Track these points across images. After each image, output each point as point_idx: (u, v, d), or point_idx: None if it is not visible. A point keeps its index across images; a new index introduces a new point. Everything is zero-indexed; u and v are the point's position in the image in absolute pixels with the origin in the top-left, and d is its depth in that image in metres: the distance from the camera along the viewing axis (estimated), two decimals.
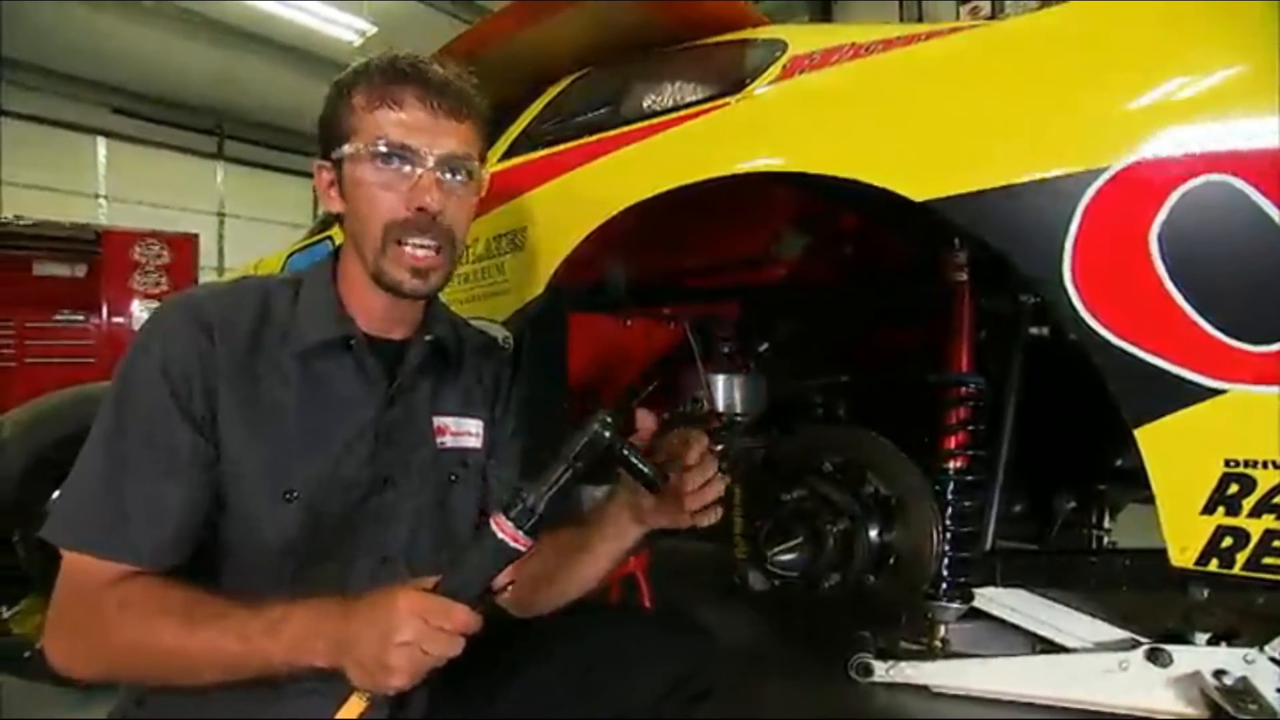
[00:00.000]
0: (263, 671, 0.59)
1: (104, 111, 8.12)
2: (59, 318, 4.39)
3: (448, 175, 0.73)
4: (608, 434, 0.63)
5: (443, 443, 0.81)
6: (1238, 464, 0.72)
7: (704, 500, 0.72)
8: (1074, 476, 1.55)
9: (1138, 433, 0.76)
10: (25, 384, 3.73)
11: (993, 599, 1.40)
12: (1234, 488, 0.72)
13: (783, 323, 1.70)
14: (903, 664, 1.39)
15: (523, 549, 0.59)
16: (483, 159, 0.79)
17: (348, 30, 7.15)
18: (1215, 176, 0.71)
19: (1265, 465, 0.71)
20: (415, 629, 0.54)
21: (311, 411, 0.72)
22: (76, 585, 0.63)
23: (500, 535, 0.58)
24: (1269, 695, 1.14)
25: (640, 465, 0.68)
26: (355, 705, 0.57)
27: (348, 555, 0.72)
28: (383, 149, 0.71)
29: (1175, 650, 1.22)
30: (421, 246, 0.73)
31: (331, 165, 0.75)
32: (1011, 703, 1.33)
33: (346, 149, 0.72)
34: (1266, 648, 1.20)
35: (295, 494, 0.69)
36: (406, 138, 0.71)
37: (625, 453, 0.67)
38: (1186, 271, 0.73)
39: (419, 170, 0.71)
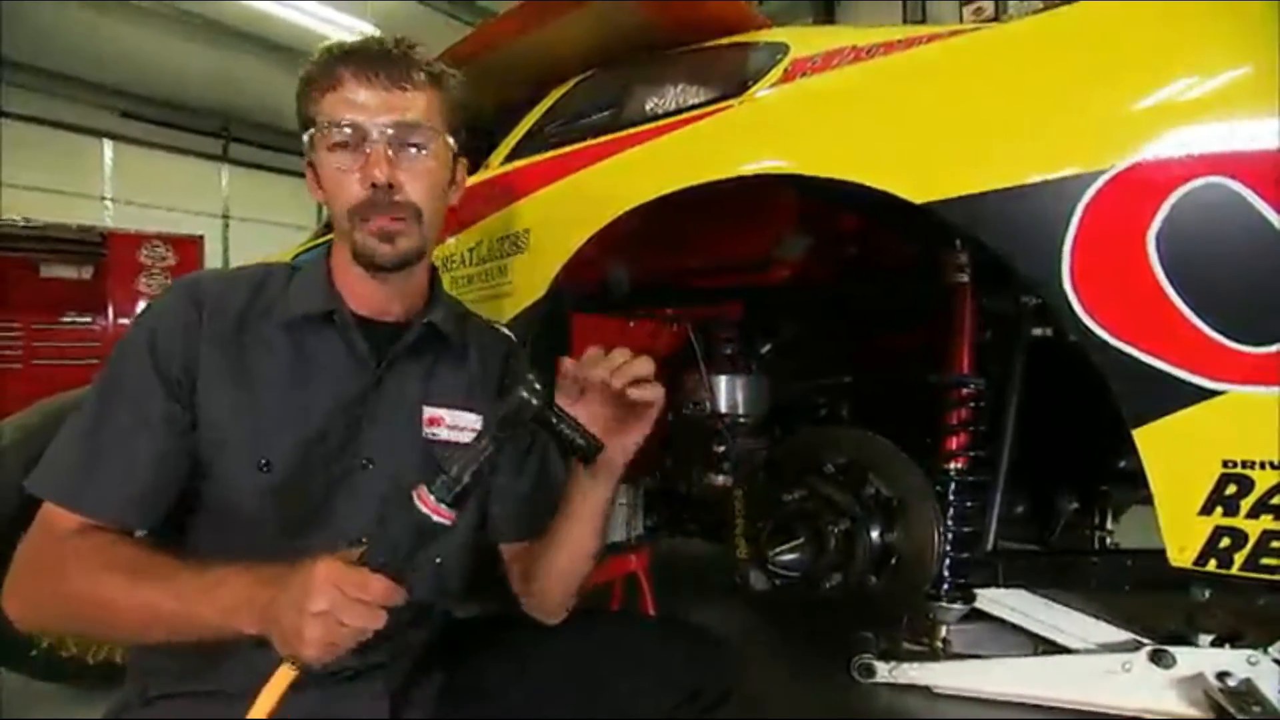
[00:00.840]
0: (200, 634, 0.59)
1: (111, 115, 8.16)
2: (65, 319, 4.43)
3: (404, 148, 0.73)
4: (535, 401, 0.60)
5: (435, 434, 0.80)
6: (1235, 465, 0.72)
7: (632, 389, 0.70)
8: (1076, 477, 1.55)
9: (1136, 433, 0.77)
10: (32, 385, 3.75)
11: (995, 600, 1.40)
12: (1232, 488, 0.72)
13: (785, 324, 1.71)
14: (905, 665, 1.39)
15: (446, 522, 0.57)
16: (452, 128, 0.78)
17: (351, 34, 7.18)
18: (1213, 179, 0.72)
19: (1263, 466, 0.71)
20: (330, 599, 0.54)
21: (293, 383, 0.72)
22: (42, 535, 0.65)
23: (422, 509, 0.56)
24: (1272, 697, 1.14)
25: (571, 434, 0.65)
26: (284, 675, 0.56)
27: (323, 532, 0.72)
28: (330, 132, 0.72)
29: (1178, 652, 1.22)
30: (387, 215, 0.73)
31: (309, 159, 0.77)
32: (1014, 704, 1.33)
33: (306, 139, 0.74)
34: (1270, 649, 1.20)
35: (270, 463, 0.70)
36: (349, 115, 0.71)
37: (555, 422, 0.64)
38: (1184, 273, 0.74)
39: (367, 145, 0.71)
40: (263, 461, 0.70)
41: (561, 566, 0.79)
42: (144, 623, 0.60)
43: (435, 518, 0.56)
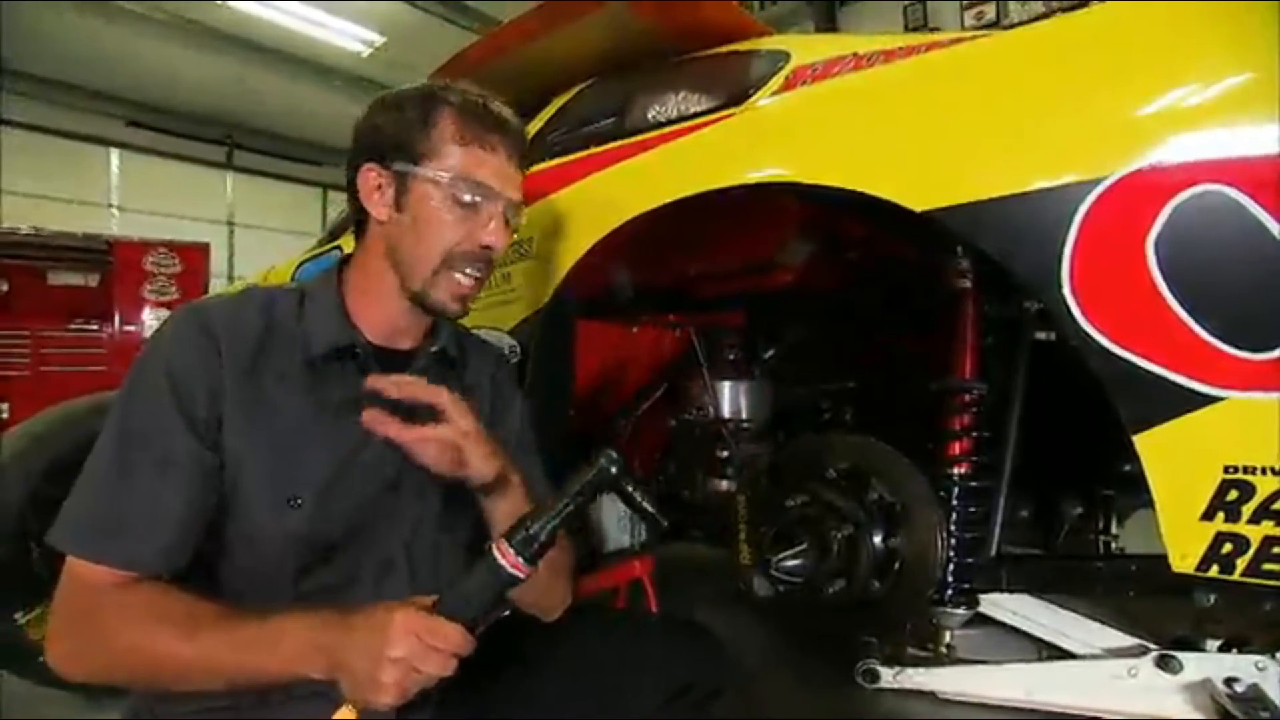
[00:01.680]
0: (257, 681, 0.60)
1: (117, 124, 8.23)
2: (72, 326, 4.46)
3: (508, 218, 0.80)
4: (614, 470, 0.65)
5: None
6: (1236, 470, 0.72)
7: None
8: (1080, 482, 1.54)
9: (1137, 439, 0.77)
10: (40, 391, 3.78)
11: (1000, 605, 1.40)
12: (1233, 494, 0.72)
13: (789, 329, 1.71)
14: (909, 670, 1.39)
15: (522, 576, 0.60)
16: None
17: (355, 41, 7.24)
18: (1210, 186, 0.72)
19: (1264, 472, 0.71)
20: (409, 646, 0.55)
21: (317, 418, 0.73)
22: (78, 589, 0.64)
23: (501, 561, 0.60)
24: None
25: (644, 504, 0.70)
26: (347, 712, 0.57)
27: (351, 559, 0.74)
28: (470, 186, 0.76)
29: (1185, 657, 1.21)
30: (471, 276, 0.79)
31: (391, 174, 0.77)
32: (1019, 709, 1.33)
33: (428, 171, 0.76)
34: (1278, 654, 1.19)
35: (300, 500, 0.70)
36: (492, 181, 0.77)
37: (630, 490, 0.68)
38: (1183, 280, 0.74)
39: (491, 209, 0.78)
40: (293, 499, 0.70)
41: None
42: (199, 674, 0.61)
43: (511, 570, 0.60)
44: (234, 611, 0.62)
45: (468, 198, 0.76)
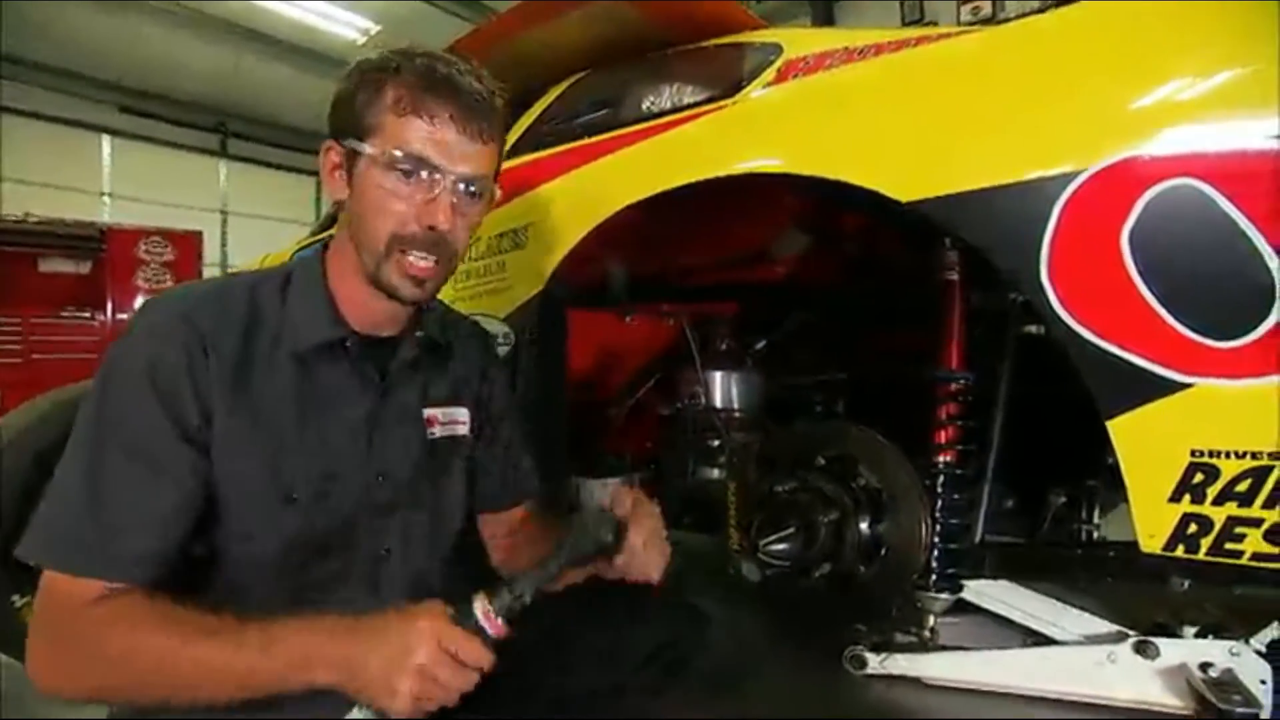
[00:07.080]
0: (255, 690, 0.57)
1: (110, 110, 8.16)
2: (64, 314, 4.44)
3: (463, 195, 0.72)
4: (611, 538, 0.69)
5: (433, 433, 0.82)
6: (1203, 454, 0.75)
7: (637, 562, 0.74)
8: (1065, 472, 1.57)
9: (1110, 424, 0.79)
10: (32, 378, 3.77)
11: (984, 593, 1.42)
12: (1199, 477, 0.75)
13: (781, 320, 1.73)
14: (896, 656, 1.41)
15: (494, 634, 0.60)
16: (497, 174, 0.78)
17: (350, 28, 7.19)
18: (1182, 180, 0.74)
19: (1228, 455, 0.74)
20: (430, 653, 0.55)
21: (307, 412, 0.71)
22: (60, 604, 0.60)
23: (483, 623, 0.59)
24: (1253, 687, 1.16)
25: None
26: (358, 714, 0.57)
27: (346, 552, 0.73)
28: (406, 161, 0.68)
29: (1162, 643, 1.24)
30: (423, 259, 0.71)
31: (344, 150, 0.72)
32: (1002, 695, 1.35)
33: (368, 147, 0.69)
34: (1251, 641, 1.22)
35: (296, 495, 0.69)
36: (432, 153, 0.69)
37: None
38: (1156, 271, 0.76)
39: (436, 187, 0.69)
40: (289, 495, 0.69)
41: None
42: (196, 682, 0.57)
43: (490, 631, 0.59)
44: (228, 617, 0.59)
45: (407, 175, 0.69)
